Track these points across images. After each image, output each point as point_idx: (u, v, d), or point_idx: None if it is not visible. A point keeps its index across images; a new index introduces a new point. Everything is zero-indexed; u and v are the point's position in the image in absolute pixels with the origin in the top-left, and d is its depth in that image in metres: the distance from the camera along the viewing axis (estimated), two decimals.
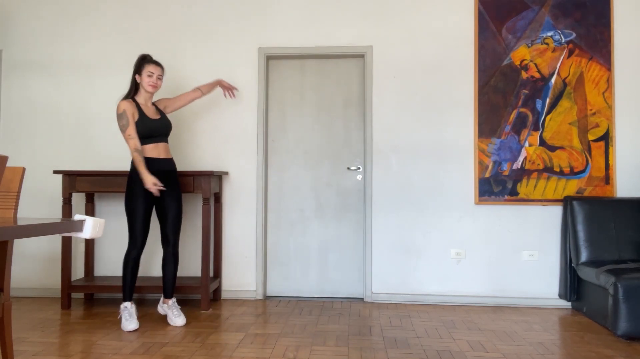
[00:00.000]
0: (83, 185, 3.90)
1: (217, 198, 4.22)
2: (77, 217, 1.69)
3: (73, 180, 3.90)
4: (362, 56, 4.32)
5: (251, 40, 4.32)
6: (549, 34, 4.13)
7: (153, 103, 3.58)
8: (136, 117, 3.37)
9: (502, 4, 4.16)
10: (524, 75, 4.13)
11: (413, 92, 4.22)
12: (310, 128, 4.36)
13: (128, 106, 3.35)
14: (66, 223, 1.63)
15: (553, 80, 4.11)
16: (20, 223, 1.54)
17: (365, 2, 4.27)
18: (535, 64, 4.12)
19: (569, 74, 4.11)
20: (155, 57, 4.34)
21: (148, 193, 3.38)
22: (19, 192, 2.16)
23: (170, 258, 3.51)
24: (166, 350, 2.91)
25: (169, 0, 4.36)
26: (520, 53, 4.14)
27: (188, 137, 4.32)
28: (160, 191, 3.43)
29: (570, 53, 4.11)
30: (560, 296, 4.00)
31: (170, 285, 3.54)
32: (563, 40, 4.12)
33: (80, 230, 1.68)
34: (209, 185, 3.84)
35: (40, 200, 4.36)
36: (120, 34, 4.38)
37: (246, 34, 4.32)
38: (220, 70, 4.31)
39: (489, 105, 4.14)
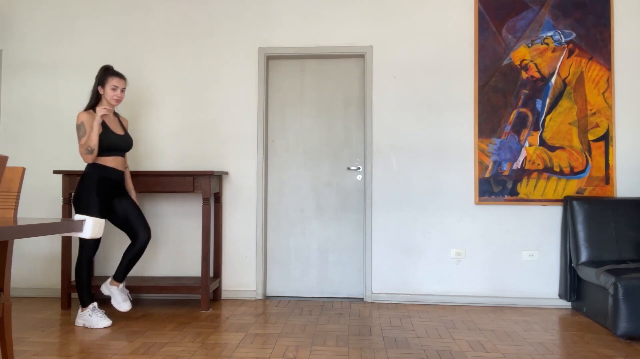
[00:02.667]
0: None
1: (217, 198, 4.22)
2: (77, 217, 1.69)
3: (73, 180, 3.90)
4: (362, 56, 4.32)
5: (251, 40, 4.32)
6: (549, 34, 4.13)
7: (116, 115, 3.56)
8: (99, 131, 3.30)
9: (502, 4, 4.16)
10: (524, 75, 4.13)
11: (413, 92, 4.22)
12: (310, 128, 4.36)
13: (87, 118, 3.32)
14: (66, 223, 1.63)
15: (553, 80, 4.11)
16: (20, 223, 1.54)
17: (365, 2, 4.27)
18: (535, 64, 4.12)
19: (569, 74, 4.11)
20: (155, 57, 4.35)
21: (103, 203, 3.35)
22: (19, 192, 2.16)
23: (143, 245, 3.44)
24: (166, 350, 2.91)
25: (169, 0, 4.36)
26: (520, 53, 4.14)
27: (188, 137, 4.31)
28: (110, 199, 3.43)
29: (570, 53, 4.11)
30: (560, 296, 4.00)
31: (129, 269, 3.48)
32: (563, 40, 4.12)
33: (80, 230, 1.68)
34: (209, 185, 3.84)
35: (40, 200, 4.36)
36: (120, 34, 4.38)
37: (246, 34, 4.32)
38: (220, 70, 4.31)
39: (489, 105, 4.14)
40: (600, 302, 3.47)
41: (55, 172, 3.87)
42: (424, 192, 4.19)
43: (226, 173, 4.23)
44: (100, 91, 3.41)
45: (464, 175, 4.17)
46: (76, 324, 3.42)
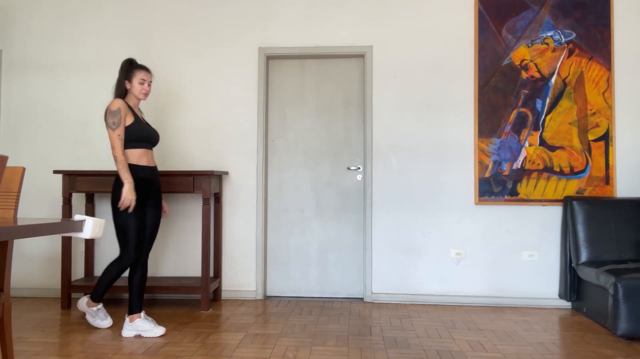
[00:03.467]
0: (83, 185, 3.90)
1: (217, 198, 4.22)
2: (77, 217, 1.69)
3: (73, 180, 3.90)
4: (362, 56, 4.32)
5: (251, 40, 4.32)
6: (549, 34, 4.13)
7: (139, 111, 3.44)
8: (130, 119, 3.17)
9: (502, 4, 4.16)
10: (524, 75, 4.13)
11: (413, 92, 4.22)
12: (310, 128, 4.36)
13: (123, 106, 3.15)
14: (66, 223, 1.63)
15: (553, 80, 4.11)
16: (20, 223, 1.54)
17: (365, 2, 4.27)
18: (535, 64, 4.12)
19: (569, 74, 4.11)
20: (155, 57, 4.35)
21: (138, 205, 3.17)
22: (19, 192, 2.16)
23: (140, 266, 3.26)
24: (166, 350, 2.91)
25: (168, 0, 4.36)
26: (520, 53, 4.14)
27: (188, 137, 4.32)
28: (144, 199, 3.24)
29: (570, 53, 4.11)
30: (560, 296, 4.00)
31: (139, 296, 3.25)
32: (563, 40, 4.12)
33: (80, 230, 1.68)
34: (209, 185, 3.84)
35: (40, 200, 4.36)
36: (120, 34, 4.38)
37: (246, 34, 4.32)
38: (220, 70, 4.31)
39: (489, 105, 4.14)
40: (600, 302, 3.47)
41: (55, 172, 3.87)
42: (424, 192, 4.19)
43: (226, 173, 4.23)
44: (127, 85, 3.24)
45: (464, 175, 4.17)
46: (124, 335, 3.20)
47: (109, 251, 4.32)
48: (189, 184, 3.85)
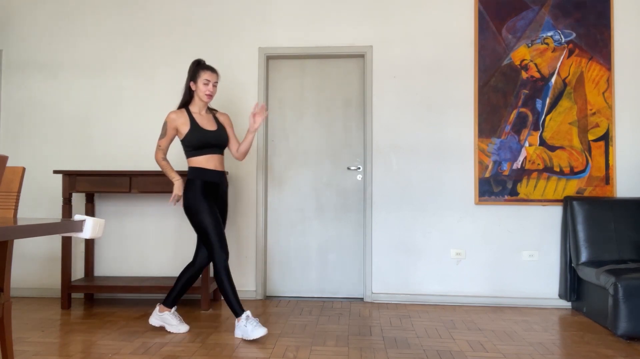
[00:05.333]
0: (83, 185, 3.90)
1: None
2: (77, 217, 1.69)
3: (73, 180, 3.90)
4: (362, 56, 4.32)
5: (251, 40, 4.32)
6: (549, 34, 4.13)
7: (211, 111, 3.36)
8: (184, 128, 3.17)
9: (502, 4, 4.16)
10: (524, 75, 4.13)
11: (413, 92, 4.22)
12: (310, 128, 4.36)
13: (173, 118, 3.19)
14: (66, 223, 1.63)
15: (553, 80, 4.11)
16: (20, 223, 1.54)
17: (365, 2, 4.27)
18: (535, 64, 4.12)
19: (569, 74, 4.11)
20: (155, 57, 4.35)
21: (210, 204, 3.15)
22: (19, 192, 2.16)
23: (197, 267, 3.27)
24: (166, 350, 2.91)
25: (169, 1, 4.36)
26: (520, 53, 4.14)
27: None
28: (213, 201, 3.23)
29: (570, 53, 4.11)
30: (560, 296, 4.00)
31: (180, 292, 3.30)
32: (563, 40, 4.12)
33: (80, 230, 1.68)
34: None
35: (40, 200, 4.36)
36: (120, 34, 4.38)
37: (246, 34, 4.32)
38: (220, 70, 4.31)
39: (489, 105, 4.14)
40: (600, 302, 3.47)
41: (55, 172, 3.87)
42: (424, 192, 4.19)
43: (226, 173, 4.22)
44: (193, 87, 3.23)
45: (464, 175, 4.17)
46: (235, 335, 3.16)
47: (109, 251, 4.32)
48: None
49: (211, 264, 4.24)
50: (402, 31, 4.24)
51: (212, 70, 3.24)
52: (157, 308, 3.31)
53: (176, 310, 3.32)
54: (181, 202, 3.12)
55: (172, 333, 3.25)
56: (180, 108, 3.27)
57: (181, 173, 3.81)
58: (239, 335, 3.14)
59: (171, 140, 3.26)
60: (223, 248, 3.13)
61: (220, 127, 3.30)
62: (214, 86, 3.24)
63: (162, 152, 3.24)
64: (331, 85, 4.36)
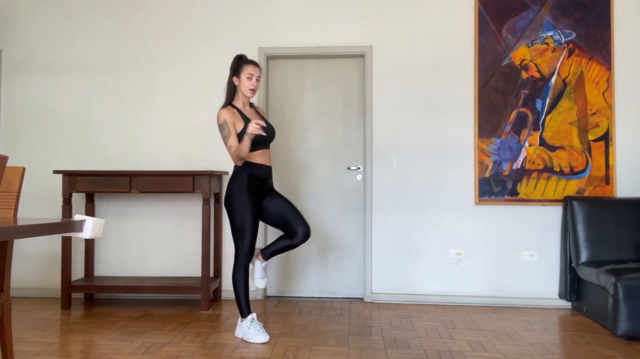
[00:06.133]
0: (83, 185, 3.90)
1: (217, 198, 4.22)
2: (77, 217, 1.69)
3: (73, 180, 3.90)
4: (362, 56, 4.32)
5: (251, 40, 4.32)
6: (549, 34, 4.13)
7: (252, 107, 3.28)
8: (239, 125, 3.06)
9: (502, 4, 4.16)
10: (524, 75, 4.13)
11: (413, 92, 4.22)
12: (310, 128, 4.36)
13: (228, 115, 3.06)
14: (66, 223, 1.63)
15: (553, 80, 4.11)
16: (20, 223, 1.54)
17: (365, 2, 4.27)
18: (535, 64, 4.12)
19: (569, 74, 4.11)
20: (155, 57, 4.35)
21: (254, 203, 3.09)
22: (19, 192, 2.16)
23: (302, 241, 3.14)
24: (166, 350, 2.91)
25: (168, 0, 4.36)
26: (520, 53, 4.14)
27: (188, 137, 4.31)
28: (259, 198, 3.13)
29: (570, 53, 4.11)
30: (560, 296, 4.00)
31: (278, 253, 3.20)
32: (563, 40, 4.12)
33: (80, 230, 1.68)
34: (208, 185, 3.84)
35: (40, 200, 4.36)
36: (120, 34, 4.38)
37: (246, 34, 4.32)
38: (220, 70, 4.31)
39: (489, 105, 4.14)
40: (600, 302, 3.47)
41: (55, 172, 3.87)
42: (424, 192, 4.19)
43: (226, 173, 4.23)
44: (236, 82, 3.15)
45: (464, 175, 4.17)
46: (235, 334, 3.19)
47: (109, 251, 4.32)
48: (189, 184, 3.85)
49: (211, 265, 4.24)
50: (402, 31, 4.24)
51: (254, 64, 3.15)
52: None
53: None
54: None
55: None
56: (225, 105, 3.14)
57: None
58: (240, 335, 3.15)
59: (237, 135, 3.07)
60: (251, 251, 3.11)
61: (267, 122, 3.21)
62: (257, 80, 3.15)
63: (236, 150, 3.04)
64: (331, 85, 4.36)
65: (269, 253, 3.22)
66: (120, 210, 4.33)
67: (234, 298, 4.22)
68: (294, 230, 3.12)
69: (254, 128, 2.91)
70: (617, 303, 3.17)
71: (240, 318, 3.17)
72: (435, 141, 4.19)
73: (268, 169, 3.17)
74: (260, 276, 3.25)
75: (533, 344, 3.08)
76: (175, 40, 4.35)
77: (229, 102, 3.17)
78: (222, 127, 3.07)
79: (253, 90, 3.14)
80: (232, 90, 3.17)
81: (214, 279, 4.11)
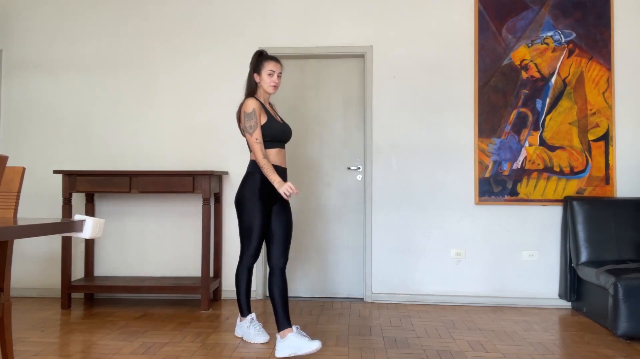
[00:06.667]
0: (83, 185, 3.90)
1: (217, 198, 4.22)
2: (77, 217, 1.69)
3: (73, 180, 3.90)
4: (362, 56, 4.32)
5: (251, 40, 4.32)
6: (549, 34, 4.13)
7: (270, 105, 3.18)
8: (264, 118, 2.96)
9: (502, 4, 4.16)
10: (524, 75, 4.13)
11: (413, 92, 4.22)
12: (310, 128, 4.36)
13: (257, 106, 2.93)
14: (66, 223, 1.63)
15: (553, 80, 4.11)
16: (20, 223, 1.53)
17: (365, 2, 4.27)
18: (535, 64, 4.12)
19: (569, 74, 4.11)
20: (155, 57, 4.35)
21: (265, 206, 2.95)
22: (19, 192, 2.16)
23: (279, 276, 2.94)
24: (166, 350, 2.91)
25: (168, 1, 4.36)
26: (520, 53, 4.14)
27: (188, 137, 4.31)
28: (272, 202, 3.00)
29: (570, 53, 4.11)
30: (560, 296, 4.00)
31: (284, 308, 2.92)
32: (563, 40, 4.12)
33: (80, 230, 1.68)
34: (208, 185, 3.84)
35: (40, 200, 4.36)
36: (120, 34, 4.38)
37: (246, 34, 4.32)
38: (220, 70, 4.31)
39: (489, 105, 4.14)
40: (600, 302, 3.47)
41: (55, 172, 3.87)
42: (424, 192, 4.19)
43: (226, 173, 4.23)
44: (257, 79, 3.02)
45: (464, 175, 4.17)
46: (235, 334, 3.17)
47: (109, 251, 4.32)
48: (189, 184, 3.85)
49: (211, 265, 4.24)
50: (402, 31, 4.24)
51: (275, 60, 3.04)
52: (278, 336, 2.89)
53: (299, 328, 2.99)
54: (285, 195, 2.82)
55: (307, 354, 2.84)
56: (251, 96, 3.03)
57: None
58: (239, 334, 3.15)
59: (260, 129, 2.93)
60: (256, 253, 3.02)
61: (285, 121, 3.13)
62: (279, 77, 3.04)
63: (262, 146, 2.90)
64: (331, 85, 4.36)
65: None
66: (120, 210, 4.33)
67: (235, 297, 4.23)
68: (271, 255, 2.97)
69: (287, 190, 2.80)
70: (617, 303, 3.17)
71: (239, 317, 3.17)
72: (435, 141, 4.19)
73: (283, 171, 3.03)
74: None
75: (533, 344, 3.08)
76: (175, 40, 4.35)
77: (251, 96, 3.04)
78: (249, 116, 2.91)
79: (275, 87, 3.03)
80: (253, 87, 3.05)
81: (214, 279, 4.11)
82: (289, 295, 4.34)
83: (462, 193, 4.16)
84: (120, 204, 4.33)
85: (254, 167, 2.98)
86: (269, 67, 3.01)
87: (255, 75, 3.04)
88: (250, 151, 2.97)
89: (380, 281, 4.19)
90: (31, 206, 4.36)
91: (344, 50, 4.26)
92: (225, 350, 2.93)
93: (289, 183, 2.81)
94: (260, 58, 3.05)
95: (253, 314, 3.14)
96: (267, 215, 2.97)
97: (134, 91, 4.35)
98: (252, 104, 2.93)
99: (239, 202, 2.98)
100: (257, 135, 2.90)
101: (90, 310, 3.88)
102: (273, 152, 3.00)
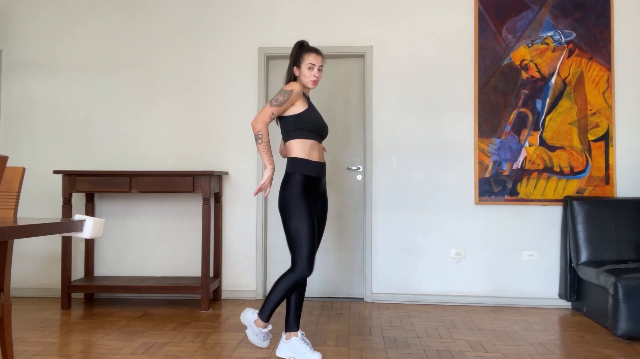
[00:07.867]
0: (83, 185, 3.90)
1: (217, 198, 4.22)
2: (77, 217, 1.69)
3: (73, 180, 3.90)
4: (362, 56, 4.32)
5: (251, 40, 4.32)
6: (549, 34, 4.13)
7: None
8: (299, 106, 2.75)
9: (502, 4, 4.16)
10: (524, 75, 4.12)
11: (413, 92, 4.22)
12: None
13: (299, 91, 2.73)
14: (66, 223, 1.63)
15: (553, 80, 4.11)
16: (20, 223, 1.54)
17: (366, 2, 4.27)
18: (535, 64, 4.12)
19: (569, 74, 4.11)
20: (155, 57, 4.35)
21: (309, 206, 2.73)
22: (19, 192, 2.16)
23: (304, 279, 2.79)
24: (166, 350, 2.91)
25: (169, 1, 4.36)
26: (520, 53, 4.14)
27: (188, 137, 4.31)
28: (314, 200, 2.83)
29: (570, 53, 4.11)
30: (560, 296, 4.00)
31: (297, 311, 2.84)
32: (563, 40, 4.12)
33: (80, 230, 1.68)
34: (208, 185, 3.84)
35: (40, 200, 4.36)
36: (120, 34, 4.38)
37: (246, 34, 4.32)
38: (220, 70, 4.31)
39: (489, 105, 4.14)
40: (600, 302, 3.47)
41: (55, 171, 3.87)
42: (424, 192, 4.19)
43: (226, 173, 4.23)
44: (296, 72, 2.81)
45: (464, 175, 4.17)
46: (278, 354, 2.84)
47: (109, 251, 4.32)
48: (189, 184, 3.85)
49: (211, 265, 4.24)
50: (402, 31, 4.24)
51: (317, 52, 2.81)
52: (283, 336, 2.86)
53: (303, 334, 2.89)
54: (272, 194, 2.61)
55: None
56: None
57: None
58: (286, 356, 2.83)
59: (280, 113, 2.75)
60: (310, 262, 2.73)
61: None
62: (320, 70, 2.81)
63: (269, 121, 2.71)
64: (331, 85, 4.36)
65: (266, 314, 2.82)
66: (120, 210, 4.33)
67: (237, 299, 4.22)
68: (292, 260, 2.79)
69: (264, 185, 2.69)
70: (617, 303, 3.17)
71: (284, 334, 2.85)
72: (435, 141, 4.19)
73: (322, 166, 2.82)
74: (263, 338, 2.90)
75: (533, 344, 3.08)
76: (175, 40, 4.35)
77: None
78: (284, 92, 2.70)
79: (315, 82, 2.81)
80: (291, 79, 2.84)
81: (214, 279, 4.11)
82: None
83: (462, 193, 4.16)
84: (120, 204, 4.33)
85: (293, 166, 2.75)
86: (309, 59, 2.78)
87: (295, 68, 2.83)
88: (256, 121, 2.70)
89: (381, 281, 4.19)
90: (31, 206, 4.36)
91: (344, 50, 4.26)
92: (225, 350, 2.93)
93: (265, 181, 2.68)
94: (300, 49, 2.82)
95: (270, 326, 2.89)
96: (313, 215, 2.74)
97: (134, 91, 4.35)
98: (294, 85, 2.74)
99: (283, 206, 2.73)
100: (275, 110, 2.70)
101: (90, 310, 3.88)
102: (311, 144, 2.77)
